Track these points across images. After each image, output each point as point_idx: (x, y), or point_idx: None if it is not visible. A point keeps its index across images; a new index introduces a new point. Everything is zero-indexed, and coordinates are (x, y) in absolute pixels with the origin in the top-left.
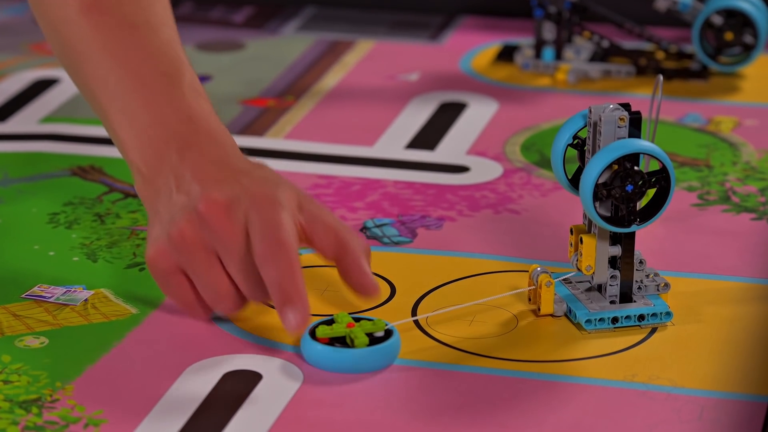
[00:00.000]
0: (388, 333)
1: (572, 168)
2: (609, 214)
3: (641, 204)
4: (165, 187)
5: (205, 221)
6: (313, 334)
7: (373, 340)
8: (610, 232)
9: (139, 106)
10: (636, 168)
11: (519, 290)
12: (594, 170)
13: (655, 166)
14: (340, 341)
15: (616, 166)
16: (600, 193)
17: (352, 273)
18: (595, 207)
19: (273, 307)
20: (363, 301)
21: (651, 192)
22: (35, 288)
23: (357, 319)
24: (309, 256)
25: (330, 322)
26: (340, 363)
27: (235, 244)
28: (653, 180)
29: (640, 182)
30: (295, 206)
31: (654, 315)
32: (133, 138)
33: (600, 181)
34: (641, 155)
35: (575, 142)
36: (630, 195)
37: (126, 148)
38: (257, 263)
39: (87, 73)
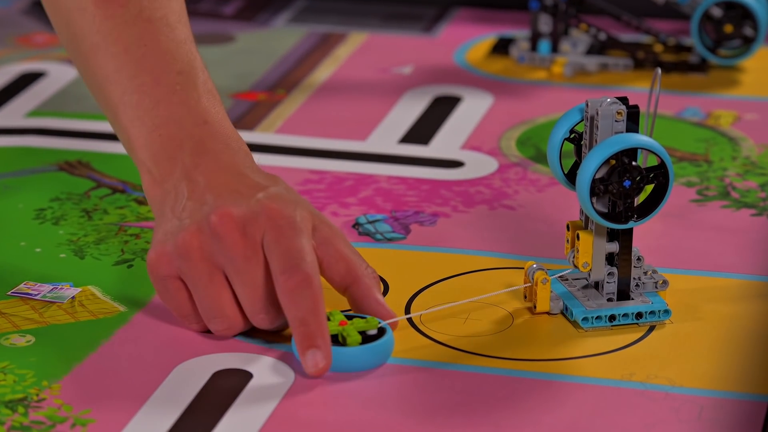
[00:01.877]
0: (381, 331)
1: (568, 163)
2: (606, 210)
3: (639, 200)
4: (175, 190)
5: (217, 234)
6: None
7: (366, 339)
8: (607, 228)
9: (151, 104)
10: (634, 163)
11: (514, 287)
12: (591, 165)
13: (653, 161)
14: (333, 339)
15: (613, 162)
16: (597, 188)
17: (365, 304)
18: (592, 203)
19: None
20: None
21: (649, 188)
22: (21, 285)
23: (349, 317)
24: None
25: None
26: (332, 361)
27: (248, 264)
28: (651, 176)
29: (638, 178)
30: (310, 228)
31: (652, 313)
32: (144, 136)
33: (597, 176)
34: (639, 150)
35: (572, 136)
36: (628, 191)
37: (135, 146)
38: (280, 296)
39: (98, 66)
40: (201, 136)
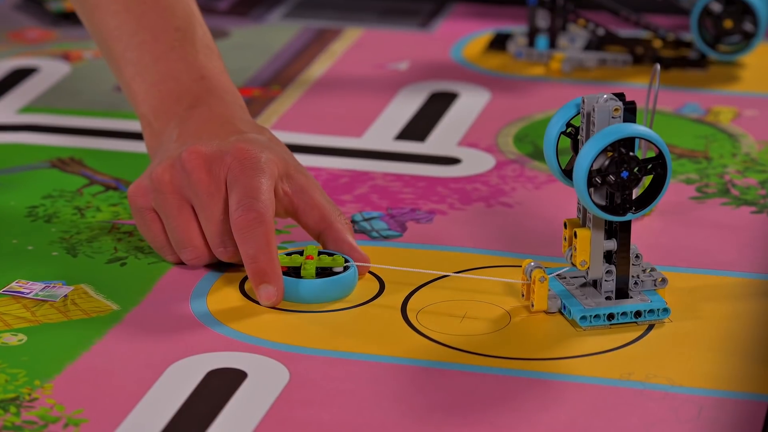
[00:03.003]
0: (347, 270)
1: (565, 160)
2: (604, 203)
3: (638, 193)
4: (168, 137)
5: (185, 169)
6: None
7: (324, 274)
8: (605, 225)
9: (151, 60)
10: (631, 154)
11: (511, 280)
12: (588, 155)
13: (651, 155)
14: (294, 271)
15: (610, 153)
16: (594, 179)
17: (338, 247)
18: (589, 194)
19: (235, 264)
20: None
21: (647, 181)
22: (13, 284)
23: (322, 253)
24: None
25: (299, 253)
26: (287, 292)
27: (210, 199)
28: (649, 167)
29: (635, 169)
30: (279, 173)
31: (651, 311)
32: (144, 92)
33: (594, 167)
34: (637, 141)
35: (568, 130)
36: (625, 182)
37: (137, 101)
38: (233, 231)
39: (101, 22)
40: (198, 91)
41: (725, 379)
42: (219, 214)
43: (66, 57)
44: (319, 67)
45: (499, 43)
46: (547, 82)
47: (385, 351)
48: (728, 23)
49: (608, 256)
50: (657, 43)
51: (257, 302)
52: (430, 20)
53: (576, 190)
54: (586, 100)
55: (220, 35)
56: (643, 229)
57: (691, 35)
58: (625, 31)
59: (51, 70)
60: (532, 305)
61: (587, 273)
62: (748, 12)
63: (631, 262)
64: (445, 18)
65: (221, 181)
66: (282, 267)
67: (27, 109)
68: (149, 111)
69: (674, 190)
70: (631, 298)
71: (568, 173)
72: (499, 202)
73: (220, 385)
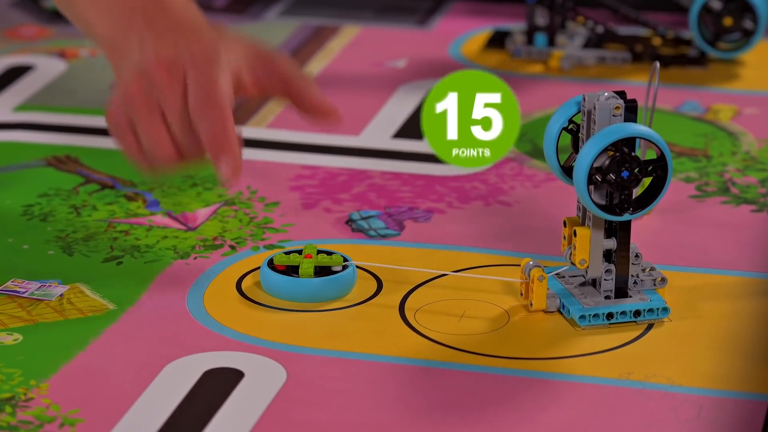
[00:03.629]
0: (345, 269)
1: (564, 157)
2: (603, 202)
3: (637, 193)
4: (129, 50)
5: (150, 77)
6: (271, 261)
7: (322, 273)
8: (605, 224)
9: None
10: (633, 154)
11: (510, 279)
12: (590, 153)
13: (651, 156)
14: (294, 270)
15: (612, 152)
16: (594, 177)
17: (306, 101)
18: (589, 192)
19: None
20: (323, 125)
21: (647, 182)
22: (9, 283)
23: (321, 252)
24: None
25: (297, 252)
26: (287, 291)
27: (174, 98)
28: (650, 168)
29: (636, 169)
30: (237, 65)
31: (650, 311)
32: (98, 16)
33: (595, 165)
34: (637, 140)
35: (570, 126)
36: (625, 182)
37: (92, 26)
38: (193, 119)
39: None
40: (152, 8)
41: (725, 378)
42: (180, 105)
43: (62, 55)
44: (317, 65)
45: (497, 40)
46: (546, 80)
47: (383, 350)
48: (728, 21)
49: (608, 255)
50: (656, 41)
51: (254, 301)
52: (428, 18)
53: (576, 188)
54: (586, 98)
55: None
56: (643, 228)
57: (691, 33)
58: (625, 29)
59: (47, 68)
60: (531, 304)
61: (586, 272)
62: (748, 9)
63: (630, 261)
64: (444, 15)
65: (182, 78)
66: (281, 266)
67: (22, 107)
68: (104, 29)
69: (674, 189)
70: (631, 297)
71: (567, 171)
72: (497, 200)
73: (217, 385)
